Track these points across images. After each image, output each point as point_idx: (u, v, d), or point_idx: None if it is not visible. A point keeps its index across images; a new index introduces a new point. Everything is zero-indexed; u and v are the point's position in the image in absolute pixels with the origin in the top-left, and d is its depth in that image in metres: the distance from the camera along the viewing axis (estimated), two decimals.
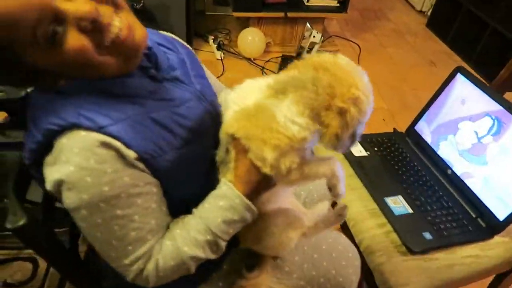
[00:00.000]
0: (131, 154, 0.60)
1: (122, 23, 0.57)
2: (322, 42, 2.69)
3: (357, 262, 0.96)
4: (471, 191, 1.10)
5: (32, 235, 0.66)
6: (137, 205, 0.62)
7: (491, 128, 1.09)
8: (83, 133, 0.57)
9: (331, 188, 0.72)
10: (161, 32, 0.83)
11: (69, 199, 0.59)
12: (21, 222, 0.61)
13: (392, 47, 3.07)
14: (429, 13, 3.44)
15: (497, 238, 1.04)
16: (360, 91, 0.61)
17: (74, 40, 0.54)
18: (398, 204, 1.07)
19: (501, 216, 1.03)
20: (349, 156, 1.21)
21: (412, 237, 1.00)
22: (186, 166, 0.67)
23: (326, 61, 0.63)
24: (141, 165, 0.62)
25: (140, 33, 0.60)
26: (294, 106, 0.61)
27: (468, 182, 1.12)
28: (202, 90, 0.76)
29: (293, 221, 0.81)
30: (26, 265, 1.45)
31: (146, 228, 0.64)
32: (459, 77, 1.19)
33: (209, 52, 2.70)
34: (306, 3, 2.68)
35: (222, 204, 0.66)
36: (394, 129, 1.38)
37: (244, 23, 2.75)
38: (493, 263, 1.01)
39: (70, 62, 0.55)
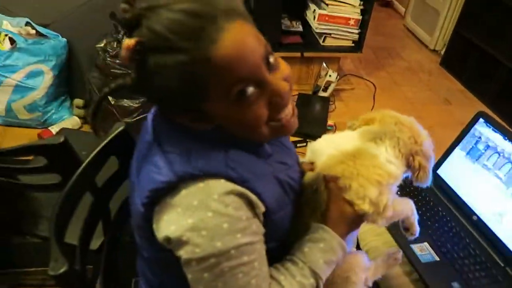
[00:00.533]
0: (261, 206, 0.63)
1: (291, 110, 0.65)
2: (338, 80, 2.74)
3: None
4: (498, 238, 1.09)
5: (72, 281, 0.67)
6: (257, 252, 0.63)
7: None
8: (222, 180, 0.59)
9: (408, 227, 0.85)
10: None
11: (199, 246, 0.57)
12: (63, 269, 0.62)
13: (406, 85, 3.11)
14: (442, 52, 3.49)
15: None
16: (425, 135, 0.80)
17: (260, 108, 0.60)
18: (424, 251, 1.06)
19: None
20: None
21: (440, 286, 0.98)
22: (283, 222, 0.71)
23: (398, 117, 0.80)
24: (262, 217, 0.65)
25: (296, 123, 0.67)
26: (391, 150, 0.74)
27: (495, 229, 1.10)
28: (295, 153, 0.82)
29: (361, 265, 0.84)
30: None
31: (262, 275, 0.64)
32: (481, 122, 1.20)
33: None
34: (321, 43, 2.74)
35: (322, 246, 0.69)
36: None
37: None
38: None
39: (241, 121, 0.60)
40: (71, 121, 2.27)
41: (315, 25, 2.68)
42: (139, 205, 0.63)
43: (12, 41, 2.06)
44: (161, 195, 0.60)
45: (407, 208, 0.82)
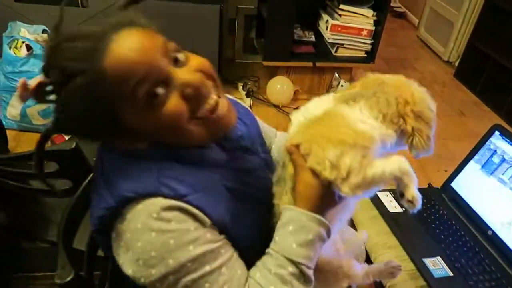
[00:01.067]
0: (207, 220, 0.60)
1: (220, 103, 0.62)
2: None
3: None
4: None
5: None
6: (222, 257, 0.61)
7: None
8: (160, 199, 0.57)
9: (403, 190, 0.62)
10: (230, 97, 0.81)
11: (154, 267, 0.56)
12: (69, 277, 0.62)
13: None
14: (456, 63, 3.46)
15: None
16: (422, 94, 0.67)
17: (175, 103, 0.58)
18: (438, 266, 1.03)
19: None
20: (384, 212, 1.19)
21: None
22: (251, 226, 0.68)
23: (383, 77, 0.68)
24: (215, 226, 0.62)
25: (234, 117, 0.65)
26: (367, 110, 0.63)
27: (510, 244, 1.07)
28: (266, 158, 0.78)
29: (342, 272, 0.79)
30: None
31: (235, 279, 0.61)
32: (496, 135, 1.18)
33: (238, 99, 2.76)
34: (334, 54, 2.74)
35: (291, 229, 0.62)
36: (429, 184, 1.35)
37: (273, 71, 2.83)
38: None
39: (161, 124, 0.58)
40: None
41: (328, 35, 2.68)
42: (94, 233, 0.63)
43: (28, 47, 2.10)
44: (111, 222, 0.60)
45: (392, 168, 0.60)
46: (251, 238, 0.68)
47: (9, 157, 0.98)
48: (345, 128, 0.60)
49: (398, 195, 0.64)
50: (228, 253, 0.62)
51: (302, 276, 0.62)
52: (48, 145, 0.76)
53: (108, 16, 0.59)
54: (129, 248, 0.58)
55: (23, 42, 2.11)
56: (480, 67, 3.11)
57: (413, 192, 0.62)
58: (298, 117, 0.70)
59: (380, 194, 1.23)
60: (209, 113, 0.61)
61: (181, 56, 0.60)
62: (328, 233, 0.64)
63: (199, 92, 0.59)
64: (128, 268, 0.58)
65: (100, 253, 1.01)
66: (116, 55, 0.54)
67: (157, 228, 0.56)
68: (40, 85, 0.58)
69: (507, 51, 2.87)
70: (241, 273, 0.62)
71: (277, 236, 0.64)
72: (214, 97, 0.61)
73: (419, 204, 0.62)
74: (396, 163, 0.61)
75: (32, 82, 0.58)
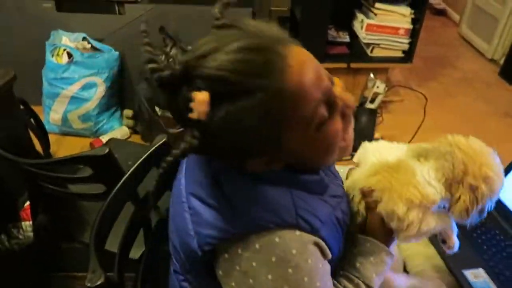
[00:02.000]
0: (330, 255, 0.63)
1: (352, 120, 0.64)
2: (386, 92, 2.65)
3: None
4: None
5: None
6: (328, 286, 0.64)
7: None
8: (297, 233, 0.58)
9: (445, 239, 0.79)
10: None
11: None
12: (100, 281, 0.64)
13: (461, 96, 2.94)
14: (501, 61, 3.28)
15: None
16: (492, 171, 0.70)
17: (338, 123, 0.58)
18: (480, 279, 0.98)
19: None
20: None
21: None
22: (340, 250, 0.71)
23: (460, 141, 0.73)
24: None
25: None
26: (433, 172, 0.70)
27: None
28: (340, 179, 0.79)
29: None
30: None
31: None
32: None
33: None
34: (369, 54, 2.67)
35: (372, 260, 0.71)
36: None
37: None
38: None
39: (321, 143, 0.58)
40: (121, 131, 2.37)
41: (363, 35, 2.62)
42: (194, 248, 0.60)
43: (69, 55, 2.19)
44: (227, 244, 0.58)
45: (441, 225, 0.74)
46: (336, 260, 0.71)
47: (47, 162, 1.02)
48: (414, 189, 0.68)
49: (440, 241, 0.80)
50: (330, 282, 0.65)
51: None
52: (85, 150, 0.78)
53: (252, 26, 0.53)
54: (250, 277, 0.57)
55: (64, 49, 2.20)
56: None
57: (453, 241, 0.79)
58: (370, 156, 0.77)
59: None
60: (348, 142, 0.63)
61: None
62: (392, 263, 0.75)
63: (352, 112, 0.62)
64: None
65: (134, 255, 1.04)
66: (298, 73, 0.51)
67: (295, 265, 0.57)
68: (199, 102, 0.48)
69: None
70: None
71: (359, 264, 0.71)
72: (352, 121, 0.64)
73: (456, 249, 0.79)
74: (444, 220, 0.74)
75: (202, 95, 0.48)
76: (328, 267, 0.64)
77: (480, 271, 0.99)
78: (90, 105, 2.26)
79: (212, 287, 0.63)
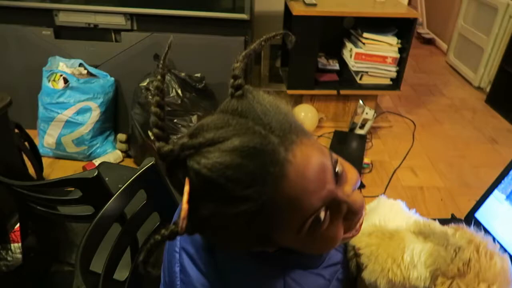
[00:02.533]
0: None
1: (360, 219, 0.55)
2: (375, 118, 2.71)
3: None
4: None
5: None
6: None
7: None
8: None
9: None
10: None
11: None
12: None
13: (448, 123, 3.01)
14: (487, 89, 3.38)
15: None
16: (492, 272, 0.59)
17: (338, 229, 0.51)
18: None
19: None
20: None
21: None
22: None
23: (482, 243, 0.62)
24: None
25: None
26: (425, 256, 0.62)
27: None
28: None
29: None
30: None
31: None
32: None
33: None
34: (358, 81, 2.75)
35: None
36: (452, 215, 1.32)
37: (297, 99, 2.87)
38: None
39: (312, 244, 0.52)
40: (114, 155, 2.40)
41: (352, 63, 2.70)
42: None
43: (65, 80, 2.25)
44: None
45: None
46: None
47: (38, 184, 1.04)
48: (398, 268, 0.62)
49: None
50: None
51: None
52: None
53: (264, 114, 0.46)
54: None
55: (60, 75, 2.26)
56: None
57: None
58: (375, 219, 0.71)
59: None
60: (357, 231, 0.56)
61: (339, 168, 0.50)
62: None
63: (359, 215, 0.53)
64: None
65: (120, 277, 1.05)
66: (296, 182, 0.44)
67: None
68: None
69: None
70: None
71: None
72: (363, 212, 0.54)
73: None
74: None
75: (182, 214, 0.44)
76: None
77: None
78: (84, 129, 2.30)
79: None
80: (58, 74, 2.26)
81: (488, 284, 0.58)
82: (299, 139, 0.46)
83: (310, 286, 0.58)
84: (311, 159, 0.46)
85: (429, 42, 4.52)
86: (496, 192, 1.20)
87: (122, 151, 2.43)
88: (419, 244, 0.63)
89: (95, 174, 0.89)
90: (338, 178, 0.49)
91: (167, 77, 2.23)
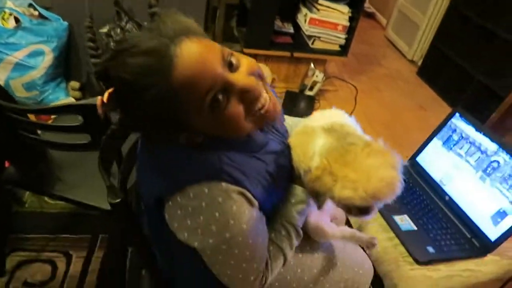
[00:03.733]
0: (256, 203, 0.73)
1: (267, 99, 0.70)
2: (324, 81, 2.91)
3: (371, 272, 1.08)
4: (466, 215, 1.26)
5: (125, 211, 0.76)
6: (261, 232, 0.75)
7: (482, 162, 1.26)
8: (223, 184, 0.68)
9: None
10: None
11: (211, 237, 0.69)
12: (120, 199, 0.72)
13: (385, 91, 3.32)
14: (419, 63, 3.74)
15: (490, 256, 1.19)
16: (349, 181, 0.64)
17: (235, 107, 0.65)
18: (404, 222, 1.22)
19: (493, 237, 1.18)
20: None
21: (418, 249, 1.14)
22: (278, 201, 0.82)
23: (376, 146, 0.69)
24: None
25: (279, 109, 0.74)
26: (321, 147, 0.73)
27: (463, 207, 1.27)
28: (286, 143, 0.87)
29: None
30: (45, 267, 1.52)
31: (265, 245, 0.77)
32: (457, 116, 1.38)
33: None
34: (310, 46, 2.91)
35: (293, 201, 0.82)
36: None
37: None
38: (487, 277, 1.15)
39: (222, 125, 0.67)
40: (67, 102, 2.33)
41: (306, 28, 2.84)
42: (150, 201, 0.74)
43: (16, 20, 2.11)
44: (170, 195, 0.70)
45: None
46: (274, 210, 0.83)
47: (40, 109, 1.05)
48: (305, 158, 0.75)
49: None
50: (262, 226, 0.76)
51: (297, 233, 0.83)
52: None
53: (162, 22, 0.63)
54: (188, 218, 0.69)
55: (10, 14, 2.12)
56: (441, 67, 3.39)
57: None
58: (307, 121, 0.84)
59: None
60: (261, 111, 0.69)
61: (234, 59, 0.66)
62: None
63: (254, 95, 0.67)
64: (184, 232, 0.70)
65: None
66: (183, 70, 0.60)
67: (221, 211, 0.67)
68: (110, 96, 0.65)
69: (465, 53, 3.16)
70: (268, 238, 0.78)
71: (283, 206, 0.83)
72: (264, 95, 0.69)
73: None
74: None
75: (104, 97, 0.65)
76: (256, 213, 0.72)
77: (405, 217, 1.24)
78: (36, 74, 2.20)
79: (169, 232, 0.74)
80: (8, 12, 2.11)
81: (352, 172, 0.64)
82: (188, 38, 0.62)
83: (241, 163, 0.71)
84: (194, 50, 0.62)
85: (370, 16, 4.81)
86: (434, 140, 1.43)
87: (76, 99, 2.37)
88: (322, 138, 0.74)
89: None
90: (232, 67, 0.65)
91: (129, 25, 2.19)
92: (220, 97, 0.63)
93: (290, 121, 1.02)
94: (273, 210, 0.83)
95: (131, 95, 0.62)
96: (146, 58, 0.60)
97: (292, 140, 0.83)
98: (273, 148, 0.81)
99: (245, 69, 0.67)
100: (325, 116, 0.83)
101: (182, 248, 0.72)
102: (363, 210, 0.68)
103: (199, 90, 0.61)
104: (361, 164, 0.65)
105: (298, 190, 0.82)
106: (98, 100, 0.64)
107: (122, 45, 0.62)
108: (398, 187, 0.67)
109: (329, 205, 0.89)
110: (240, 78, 0.65)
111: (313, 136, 0.76)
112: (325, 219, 0.98)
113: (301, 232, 0.84)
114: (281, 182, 0.81)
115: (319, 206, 0.75)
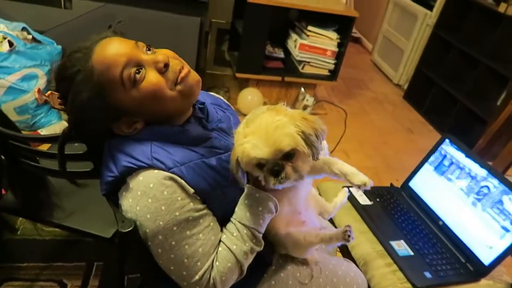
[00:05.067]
0: (190, 190, 0.76)
1: (185, 68, 0.80)
2: (314, 105, 2.96)
3: (365, 286, 1.10)
4: (460, 240, 1.29)
5: (133, 239, 0.77)
6: (200, 225, 0.77)
7: (472, 187, 1.30)
8: (155, 171, 0.73)
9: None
10: (213, 94, 1.08)
11: (147, 227, 0.73)
12: (131, 228, 0.73)
13: (373, 114, 3.39)
14: (405, 87, 3.84)
15: (483, 281, 1.21)
16: (259, 137, 0.70)
17: (152, 76, 0.76)
18: (401, 247, 1.24)
19: (486, 261, 1.22)
20: (356, 204, 1.39)
21: (415, 275, 1.16)
22: (226, 201, 0.83)
23: (280, 111, 0.74)
24: (198, 197, 0.77)
25: (194, 75, 0.82)
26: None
27: (457, 232, 1.31)
28: None
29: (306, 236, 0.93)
30: None
31: (209, 244, 0.78)
32: (447, 142, 1.43)
33: None
34: (301, 70, 2.98)
35: (247, 202, 0.81)
36: (391, 184, 1.58)
37: (243, 83, 3.01)
38: None
39: (146, 96, 0.76)
40: (60, 126, 2.32)
41: (296, 53, 2.91)
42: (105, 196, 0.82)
43: (10, 44, 2.12)
44: (117, 187, 0.78)
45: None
46: (225, 211, 0.83)
47: (41, 138, 1.05)
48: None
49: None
50: (206, 223, 0.78)
51: (254, 237, 0.80)
52: None
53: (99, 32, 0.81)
54: (128, 211, 0.75)
55: (4, 37, 2.12)
56: (426, 91, 3.50)
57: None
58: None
59: (352, 190, 1.43)
60: (182, 79, 0.78)
61: (151, 49, 0.80)
62: (276, 207, 0.82)
63: (168, 65, 0.77)
64: (128, 227, 0.74)
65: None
66: (100, 53, 0.74)
67: (152, 196, 0.72)
68: (52, 94, 0.81)
69: (449, 77, 3.27)
70: (214, 238, 0.79)
71: (237, 208, 0.83)
72: (186, 69, 0.80)
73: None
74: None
75: (48, 93, 0.82)
76: (193, 204, 0.75)
77: (402, 242, 1.26)
78: (29, 97, 2.19)
79: None
80: (2, 36, 2.12)
81: (256, 131, 0.70)
82: (108, 37, 0.79)
83: (173, 153, 0.77)
84: (110, 40, 0.77)
85: (356, 41, 4.95)
86: (426, 165, 1.47)
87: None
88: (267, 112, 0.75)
89: None
90: (150, 51, 0.79)
91: None
92: (137, 70, 0.75)
93: None
94: (226, 211, 0.83)
95: (67, 84, 0.75)
96: (77, 54, 0.76)
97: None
98: (216, 145, 0.85)
99: (160, 52, 0.79)
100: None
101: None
102: (273, 170, 0.71)
103: (115, 68, 0.73)
104: (259, 122, 0.71)
105: (249, 189, 0.81)
106: (35, 89, 0.78)
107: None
108: (294, 132, 0.71)
109: (301, 204, 0.95)
110: (153, 56, 0.78)
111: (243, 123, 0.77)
112: (296, 222, 0.95)
113: (258, 235, 0.81)
114: (234, 182, 0.79)
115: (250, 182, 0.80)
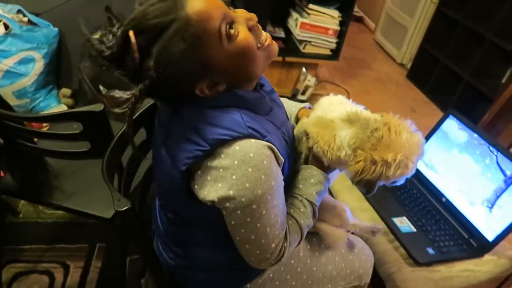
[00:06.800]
0: (281, 158, 0.75)
1: (268, 36, 0.77)
2: (316, 85, 2.93)
3: (372, 258, 1.10)
4: (464, 216, 1.28)
5: (132, 218, 0.75)
6: (282, 195, 0.78)
7: (476, 162, 1.28)
8: (252, 140, 0.70)
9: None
10: None
11: (244, 196, 0.70)
12: (127, 207, 0.70)
13: (376, 94, 3.35)
14: (408, 66, 3.79)
15: (487, 256, 1.21)
16: (398, 160, 0.75)
17: (245, 33, 0.71)
18: (404, 224, 1.23)
19: (490, 237, 1.20)
20: None
21: (418, 251, 1.15)
22: (286, 168, 0.82)
23: (394, 123, 0.79)
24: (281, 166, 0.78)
25: (276, 46, 0.79)
26: (348, 138, 0.80)
27: (460, 208, 1.29)
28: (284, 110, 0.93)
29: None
30: (42, 278, 1.50)
31: (284, 214, 0.80)
32: (451, 117, 1.40)
33: None
34: (302, 50, 2.93)
35: (313, 181, 0.86)
36: None
37: None
38: (486, 277, 1.17)
39: (240, 54, 0.70)
40: (59, 110, 2.30)
41: (297, 32, 2.86)
42: (174, 173, 0.74)
43: (6, 26, 2.08)
44: (198, 162, 0.71)
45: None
46: (288, 177, 0.85)
47: (41, 117, 1.04)
48: (331, 150, 0.82)
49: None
50: (283, 194, 0.79)
51: (314, 213, 0.87)
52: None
53: None
54: (219, 180, 0.70)
55: (0, 20, 2.09)
56: (430, 69, 3.44)
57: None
58: (318, 111, 0.90)
59: None
60: (268, 41, 0.75)
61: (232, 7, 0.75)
62: (329, 185, 0.91)
63: (257, 24, 0.74)
64: (214, 196, 0.70)
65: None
66: (197, 3, 0.66)
67: (253, 165, 0.69)
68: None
69: (453, 56, 3.21)
70: (285, 209, 0.81)
71: (301, 185, 0.86)
72: (264, 33, 0.76)
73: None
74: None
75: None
76: (280, 173, 0.76)
77: (404, 219, 1.25)
78: (27, 81, 2.17)
79: (194, 207, 0.77)
80: None
81: (396, 153, 0.75)
82: None
83: (261, 123, 0.75)
84: None
85: (359, 20, 4.86)
86: (429, 142, 1.45)
87: (68, 106, 2.35)
88: (345, 130, 0.80)
89: (101, 108, 0.92)
90: (233, 10, 0.73)
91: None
92: (232, 25, 0.69)
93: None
94: (288, 181, 0.85)
95: (154, 38, 0.65)
96: (162, 3, 0.65)
97: (314, 131, 0.85)
98: (278, 116, 0.84)
99: (242, 11, 0.75)
100: (333, 103, 0.91)
101: (205, 224, 0.81)
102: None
103: (213, 20, 0.66)
104: (399, 143, 0.75)
105: (317, 172, 0.86)
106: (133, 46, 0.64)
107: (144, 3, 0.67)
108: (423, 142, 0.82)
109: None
110: (241, 13, 0.73)
111: (335, 129, 0.82)
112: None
113: (317, 213, 0.87)
114: (292, 152, 0.85)
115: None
